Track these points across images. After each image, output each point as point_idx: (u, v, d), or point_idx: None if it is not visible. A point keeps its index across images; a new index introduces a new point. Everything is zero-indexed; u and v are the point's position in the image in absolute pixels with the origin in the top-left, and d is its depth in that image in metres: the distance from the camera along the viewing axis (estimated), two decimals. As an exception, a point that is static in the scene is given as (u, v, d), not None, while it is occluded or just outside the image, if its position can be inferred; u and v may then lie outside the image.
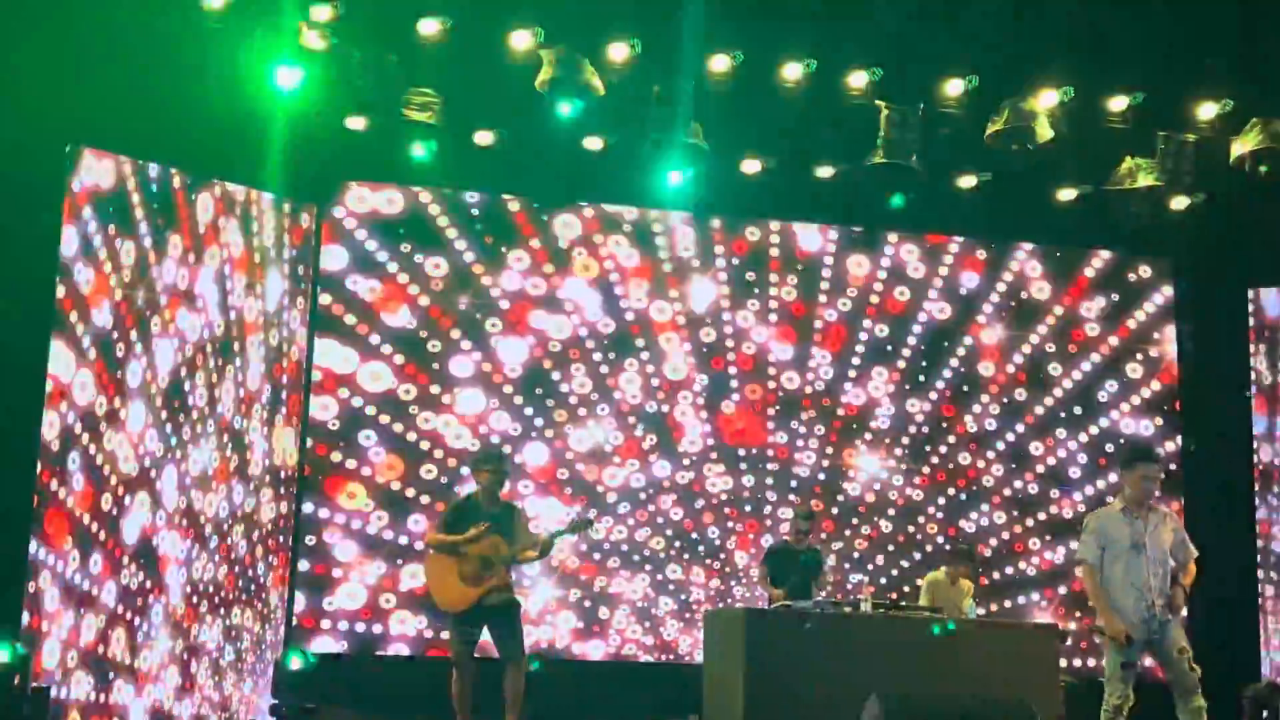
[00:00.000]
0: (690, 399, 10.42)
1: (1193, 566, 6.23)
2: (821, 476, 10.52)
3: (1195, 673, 5.94)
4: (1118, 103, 9.39)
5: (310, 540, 9.55)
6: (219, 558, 8.68)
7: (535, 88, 8.70)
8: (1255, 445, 10.56)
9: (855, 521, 10.51)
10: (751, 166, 10.09)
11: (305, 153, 9.04)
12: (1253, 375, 10.67)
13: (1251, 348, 10.70)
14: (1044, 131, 9.33)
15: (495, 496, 7.24)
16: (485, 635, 7.22)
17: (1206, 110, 9.50)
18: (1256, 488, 10.50)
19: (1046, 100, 9.26)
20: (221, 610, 8.68)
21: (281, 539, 9.37)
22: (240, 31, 7.97)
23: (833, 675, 6.97)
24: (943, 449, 10.75)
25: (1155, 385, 11.04)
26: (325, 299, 9.82)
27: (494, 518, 7.15)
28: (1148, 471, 6.00)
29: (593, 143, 9.70)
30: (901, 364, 10.77)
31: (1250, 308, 10.75)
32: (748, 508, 10.36)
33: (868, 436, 10.62)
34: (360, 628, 9.56)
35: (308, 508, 9.60)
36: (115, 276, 7.92)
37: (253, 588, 9.05)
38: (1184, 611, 6.23)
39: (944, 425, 10.76)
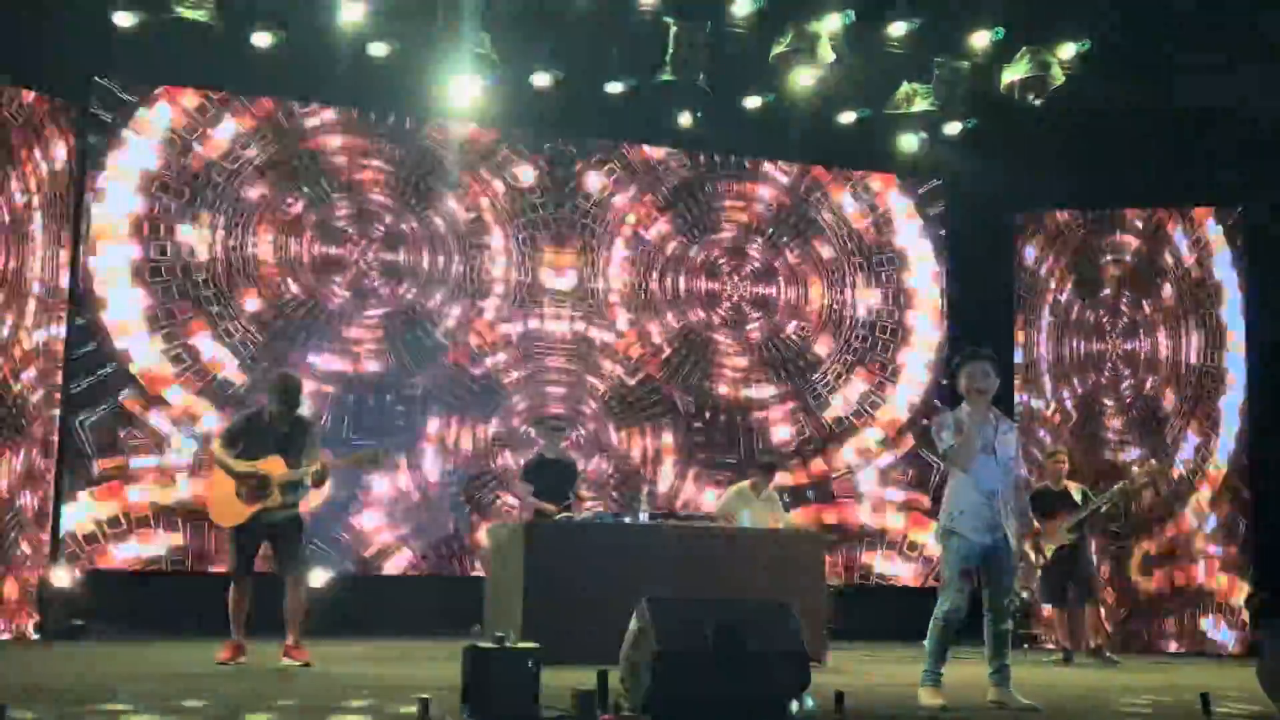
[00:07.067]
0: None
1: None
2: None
3: (1011, 604, 5.69)
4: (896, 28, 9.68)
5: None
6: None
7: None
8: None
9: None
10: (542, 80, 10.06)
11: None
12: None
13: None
14: (825, 54, 9.55)
15: (286, 415, 7.06)
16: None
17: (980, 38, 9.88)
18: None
19: (829, 24, 9.48)
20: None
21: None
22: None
23: (608, 582, 7.11)
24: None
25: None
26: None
27: (282, 436, 6.99)
28: (973, 369, 5.53)
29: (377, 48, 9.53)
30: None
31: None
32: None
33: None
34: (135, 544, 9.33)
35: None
36: None
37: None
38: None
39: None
